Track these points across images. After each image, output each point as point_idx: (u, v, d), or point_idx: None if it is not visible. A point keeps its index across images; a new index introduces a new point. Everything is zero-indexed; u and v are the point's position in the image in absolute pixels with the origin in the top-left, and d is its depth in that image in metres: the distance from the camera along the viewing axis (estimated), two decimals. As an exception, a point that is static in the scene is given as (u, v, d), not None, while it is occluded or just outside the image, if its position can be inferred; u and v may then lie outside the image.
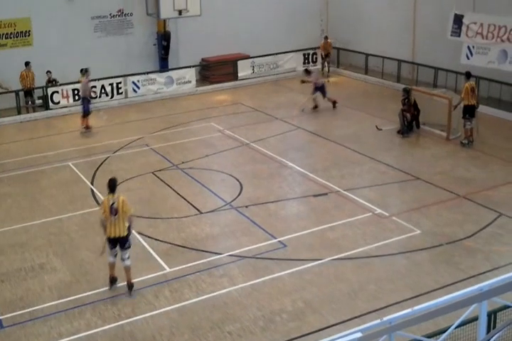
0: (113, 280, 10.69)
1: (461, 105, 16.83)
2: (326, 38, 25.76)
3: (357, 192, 14.13)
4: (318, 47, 26.43)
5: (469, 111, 16.66)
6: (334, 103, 20.83)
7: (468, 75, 16.96)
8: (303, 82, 21.11)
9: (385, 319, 6.19)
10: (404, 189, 14.52)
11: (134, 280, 10.70)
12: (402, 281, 10.65)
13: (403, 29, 23.57)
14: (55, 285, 10.89)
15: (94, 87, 22.14)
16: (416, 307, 6.34)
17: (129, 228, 10.45)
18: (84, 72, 19.69)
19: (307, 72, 21.40)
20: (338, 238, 12.20)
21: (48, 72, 21.83)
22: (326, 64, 25.62)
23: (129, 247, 10.55)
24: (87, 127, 19.53)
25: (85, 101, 19.46)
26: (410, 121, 18.01)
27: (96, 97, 21.49)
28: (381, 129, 18.26)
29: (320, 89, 20.66)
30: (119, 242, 10.40)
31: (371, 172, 15.48)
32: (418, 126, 18.19)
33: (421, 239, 12.01)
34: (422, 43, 22.87)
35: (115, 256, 10.55)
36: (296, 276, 10.93)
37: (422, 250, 11.61)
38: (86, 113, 19.46)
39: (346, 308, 9.89)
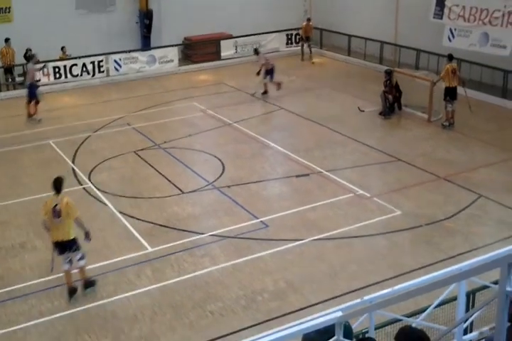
0: (72, 291, 9.75)
1: (443, 86, 16.91)
2: (309, 20, 25.22)
3: (339, 173, 14.19)
4: (301, 28, 26.30)
5: (450, 93, 16.73)
6: (279, 85, 19.96)
7: (450, 57, 17.05)
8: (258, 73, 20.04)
9: (365, 298, 6.25)
10: (386, 170, 14.61)
11: (115, 260, 10.69)
12: (383, 261, 10.77)
13: (386, 10, 23.49)
14: (35, 264, 10.84)
15: (76, 65, 21.90)
16: (396, 287, 6.40)
17: (86, 234, 9.67)
18: (30, 57, 19.07)
19: (256, 51, 20.89)
20: (319, 218, 12.27)
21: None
22: (307, 46, 25.03)
23: (78, 249, 9.71)
24: (30, 114, 18.36)
25: (33, 87, 18.51)
26: (392, 103, 18.07)
27: (40, 81, 19.85)
28: (363, 111, 18.30)
29: (270, 72, 19.86)
30: (67, 246, 9.57)
31: (353, 153, 15.53)
32: (400, 108, 18.25)
33: (401, 219, 12.12)
34: (405, 25, 22.82)
35: (69, 261, 9.71)
36: (278, 256, 10.99)
37: (403, 231, 11.73)
38: (32, 99, 18.37)
39: (327, 288, 9.99)
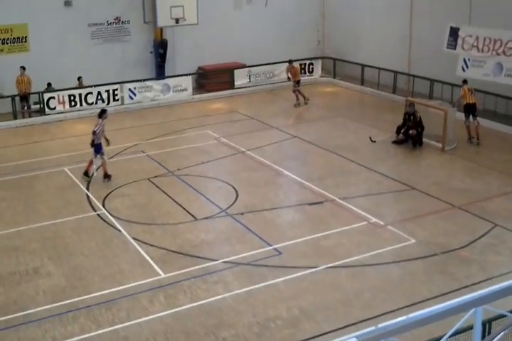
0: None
1: (462, 104, 17.93)
2: (291, 61, 23.32)
3: (352, 201, 14.17)
4: (315, 58, 26.58)
5: (471, 110, 17.91)
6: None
7: (465, 81, 18.38)
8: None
9: (379, 326, 6.21)
10: (400, 199, 14.57)
11: (128, 286, 10.70)
12: (397, 290, 10.67)
13: (399, 40, 23.73)
14: (49, 289, 10.84)
15: (91, 93, 22.22)
16: (411, 315, 6.35)
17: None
18: (102, 113, 16.21)
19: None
20: (332, 246, 12.21)
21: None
22: (297, 92, 22.70)
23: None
24: (106, 174, 15.87)
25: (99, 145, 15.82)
26: (416, 136, 17.80)
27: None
28: (375, 141, 18.28)
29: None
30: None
31: (367, 181, 15.53)
32: (421, 144, 17.86)
33: (415, 248, 12.04)
34: (418, 55, 23.04)
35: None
36: (291, 284, 10.92)
37: (417, 259, 11.64)
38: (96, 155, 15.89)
39: (341, 316, 9.89)
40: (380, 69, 23.93)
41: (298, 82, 22.78)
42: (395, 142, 18.05)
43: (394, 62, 23.59)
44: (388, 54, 24.17)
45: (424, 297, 10.25)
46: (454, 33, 20.12)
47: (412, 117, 17.82)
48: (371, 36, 25.21)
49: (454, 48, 20.25)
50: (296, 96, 22.71)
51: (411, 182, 15.23)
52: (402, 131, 17.99)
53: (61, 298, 10.55)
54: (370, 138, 18.43)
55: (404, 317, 6.28)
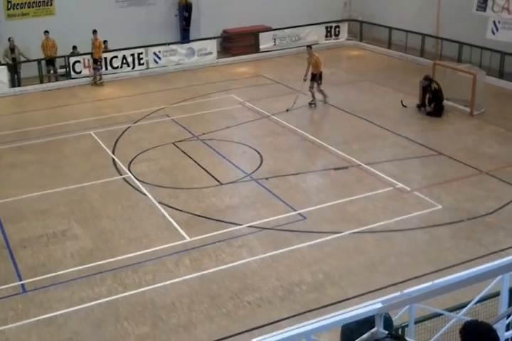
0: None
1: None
2: (310, 47, 18.81)
3: (378, 167, 14.05)
4: (341, 21, 26.05)
5: None
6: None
7: None
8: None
9: (405, 291, 6.18)
10: (426, 164, 14.41)
11: (154, 249, 10.85)
12: (422, 256, 10.63)
13: (427, 2, 23.11)
14: (76, 251, 11.02)
15: (116, 57, 22.16)
16: (436, 281, 6.30)
17: None
18: None
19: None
20: (358, 211, 12.17)
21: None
22: (317, 87, 18.36)
23: None
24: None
25: None
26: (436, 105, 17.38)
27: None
28: (406, 106, 17.95)
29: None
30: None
31: (393, 146, 15.35)
32: (439, 116, 17.28)
33: (442, 214, 11.94)
34: (447, 17, 22.41)
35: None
36: (316, 248, 10.95)
37: (443, 225, 11.56)
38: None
39: (365, 281, 9.91)
40: (407, 31, 23.39)
41: (319, 76, 18.30)
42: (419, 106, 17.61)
43: (422, 25, 23.01)
44: (416, 16, 23.57)
45: (449, 263, 10.20)
46: (483, -6, 19.58)
47: (428, 87, 17.35)
48: (399, -3, 24.59)
49: (484, 10, 19.73)
50: (313, 93, 18.31)
51: (438, 148, 15.03)
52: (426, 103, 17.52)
53: (88, 260, 10.72)
54: (402, 102, 18.11)
55: (429, 283, 6.25)
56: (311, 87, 18.28)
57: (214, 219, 12.03)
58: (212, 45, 23.96)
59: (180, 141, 15.97)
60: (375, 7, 25.49)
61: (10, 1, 21.83)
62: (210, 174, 14.02)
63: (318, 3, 26.06)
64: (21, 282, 10.19)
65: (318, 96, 18.44)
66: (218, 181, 13.66)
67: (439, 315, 6.65)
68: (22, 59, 21.25)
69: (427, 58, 21.99)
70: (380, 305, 5.57)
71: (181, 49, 23.43)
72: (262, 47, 24.70)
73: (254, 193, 13.21)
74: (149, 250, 10.99)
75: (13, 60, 21.05)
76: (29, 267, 10.60)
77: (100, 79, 21.47)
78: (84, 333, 8.97)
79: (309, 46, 18.93)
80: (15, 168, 14.75)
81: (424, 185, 13.23)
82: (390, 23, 24.23)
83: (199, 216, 12.17)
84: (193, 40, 24.06)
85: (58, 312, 9.38)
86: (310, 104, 18.37)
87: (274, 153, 15.21)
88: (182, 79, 21.87)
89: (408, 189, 12.97)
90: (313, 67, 18.36)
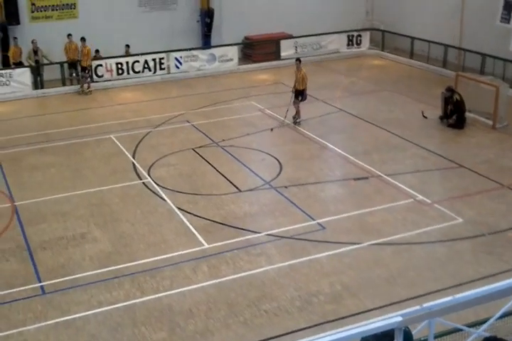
0: None
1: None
2: (299, 60, 18.03)
3: (398, 178, 13.97)
4: (363, 30, 26.03)
5: None
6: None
7: None
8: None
9: (425, 305, 6.12)
10: (447, 176, 14.30)
11: (172, 254, 10.84)
12: (442, 270, 10.54)
13: (451, 13, 23.00)
14: (95, 254, 11.06)
15: (138, 61, 22.26)
16: (457, 296, 6.24)
17: None
18: None
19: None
20: (377, 223, 12.10)
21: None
22: (295, 105, 17.62)
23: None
24: None
25: None
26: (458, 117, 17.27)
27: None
28: (426, 117, 17.85)
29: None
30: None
31: (413, 158, 15.27)
32: (461, 128, 17.15)
33: (463, 227, 11.83)
34: (470, 28, 22.32)
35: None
36: (334, 259, 10.89)
37: (464, 239, 11.45)
38: None
39: (384, 294, 9.83)
40: (430, 42, 23.32)
41: (301, 93, 17.49)
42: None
43: (444, 36, 22.93)
44: (439, 27, 23.49)
45: (470, 278, 10.10)
46: (508, 6, 19.50)
47: (450, 99, 17.24)
48: (422, 8, 24.48)
49: (508, 22, 19.63)
50: (297, 109, 17.60)
51: (459, 160, 14.92)
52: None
53: (107, 263, 10.75)
54: (423, 113, 18.01)
55: (450, 298, 6.18)
56: (295, 103, 17.60)
57: (232, 227, 12.02)
58: (233, 52, 24.03)
59: (200, 147, 16.00)
60: (398, 16, 25.45)
61: (34, 4, 22.10)
62: (229, 181, 14.02)
63: (340, 12, 26.10)
64: (41, 284, 10.24)
65: (292, 113, 17.62)
66: (237, 188, 13.65)
67: (459, 330, 6.59)
68: (45, 61, 21.44)
69: (449, 69, 21.92)
70: (400, 319, 5.52)
71: (202, 55, 23.53)
72: (283, 54, 24.73)
73: (273, 201, 13.18)
74: (167, 255, 11.00)
75: (36, 62, 21.25)
76: (49, 269, 10.65)
77: (88, 87, 21.28)
78: (102, 337, 8.98)
79: (298, 60, 18.01)
80: (36, 169, 14.87)
81: (445, 197, 13.13)
82: (413, 32, 24.19)
83: (218, 223, 12.16)
84: (214, 46, 24.17)
85: (77, 315, 9.40)
86: (294, 122, 17.48)
87: (293, 161, 15.18)
88: (203, 85, 21.94)
89: (429, 201, 12.87)
90: (298, 83, 17.60)
